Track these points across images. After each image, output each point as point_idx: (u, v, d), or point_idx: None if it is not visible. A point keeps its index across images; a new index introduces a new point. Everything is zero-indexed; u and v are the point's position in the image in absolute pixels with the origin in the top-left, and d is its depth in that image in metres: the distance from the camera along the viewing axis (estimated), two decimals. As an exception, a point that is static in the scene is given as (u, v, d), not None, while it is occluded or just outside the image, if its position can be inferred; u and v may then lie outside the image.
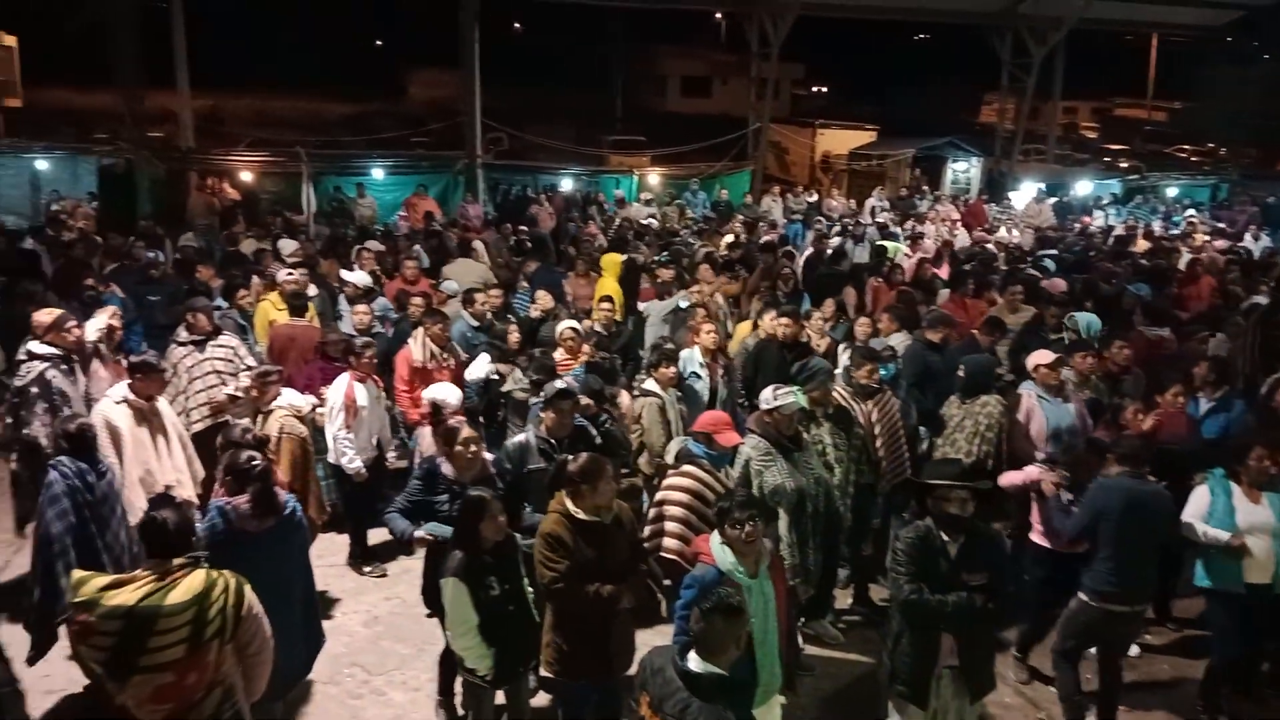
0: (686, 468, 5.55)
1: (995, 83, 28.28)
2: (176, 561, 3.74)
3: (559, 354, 7.58)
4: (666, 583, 5.80)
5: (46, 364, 6.59)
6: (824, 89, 52.04)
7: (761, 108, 23.82)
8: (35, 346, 6.70)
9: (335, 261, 11.29)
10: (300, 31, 42.01)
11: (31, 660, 5.25)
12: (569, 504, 4.56)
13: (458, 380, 7.66)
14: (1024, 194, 22.53)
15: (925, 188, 24.27)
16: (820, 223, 17.14)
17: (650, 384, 6.96)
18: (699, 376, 7.58)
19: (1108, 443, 5.79)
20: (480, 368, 7.73)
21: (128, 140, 18.40)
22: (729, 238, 14.60)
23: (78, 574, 3.76)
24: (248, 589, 3.85)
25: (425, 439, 6.68)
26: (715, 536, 4.41)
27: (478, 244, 13.13)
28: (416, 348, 7.67)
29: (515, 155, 23.08)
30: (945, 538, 4.58)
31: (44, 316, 6.76)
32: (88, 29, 20.68)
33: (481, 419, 7.55)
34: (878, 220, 17.78)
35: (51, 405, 6.48)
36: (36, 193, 17.76)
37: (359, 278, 9.49)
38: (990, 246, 15.32)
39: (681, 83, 46.99)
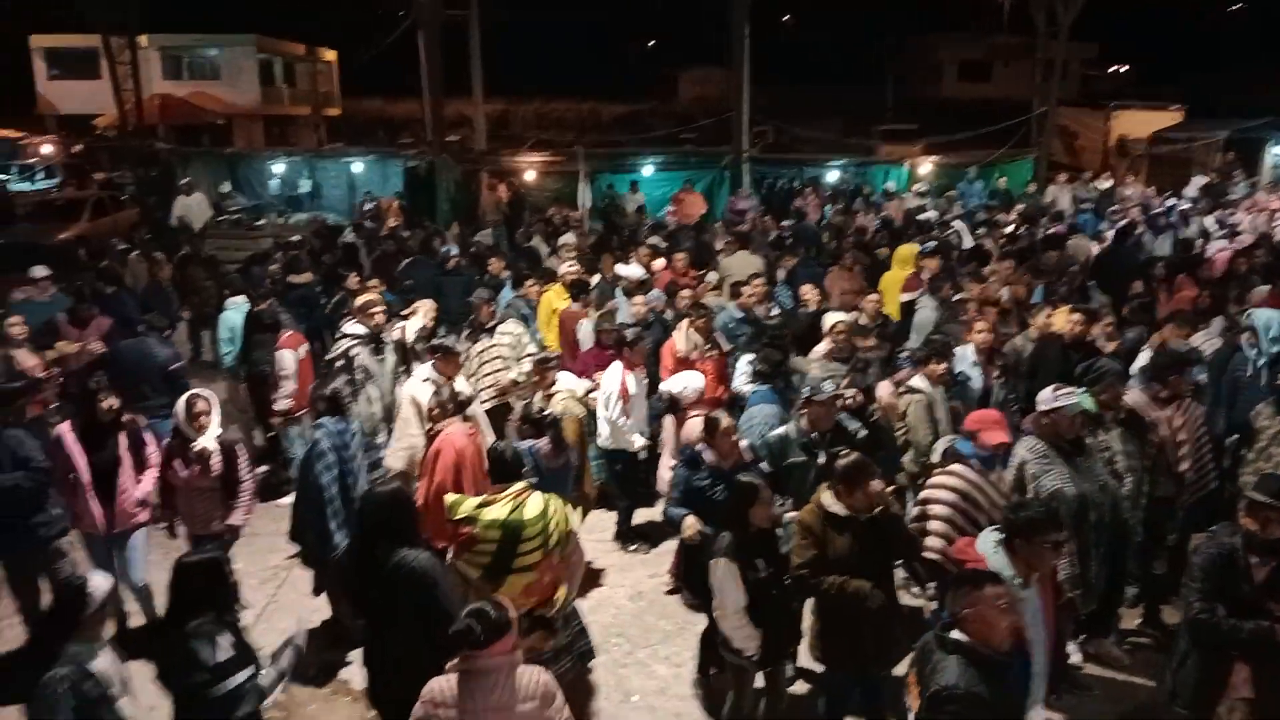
0: (954, 467, 5.35)
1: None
2: (519, 485, 4.75)
3: (824, 346, 7.55)
4: (930, 586, 5.66)
5: (354, 342, 7.49)
6: (1121, 68, 47.72)
7: (1047, 90, 22.27)
8: (349, 326, 7.63)
9: (610, 255, 11.83)
10: (581, 37, 44.27)
11: (316, 592, 6.12)
12: (826, 496, 4.63)
13: (720, 371, 7.83)
14: (1365, 179, 19.60)
15: (1237, 173, 21.67)
16: (1118, 212, 15.83)
17: (918, 380, 6.76)
18: (968, 376, 7.27)
19: None
20: (742, 369, 7.82)
21: (429, 144, 20.20)
22: (1009, 229, 13.83)
23: (451, 497, 4.83)
24: (568, 508, 4.92)
25: (686, 427, 6.89)
26: (986, 537, 4.25)
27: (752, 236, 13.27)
28: (681, 339, 7.89)
29: (781, 149, 23.06)
30: (1254, 559, 4.15)
31: (358, 300, 7.64)
32: (397, 44, 22.93)
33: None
34: (1181, 209, 16.14)
35: (352, 378, 7.37)
36: (353, 192, 19.98)
37: (634, 271, 9.90)
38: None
39: (959, 68, 44.89)
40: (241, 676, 3.77)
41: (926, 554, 5.12)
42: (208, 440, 5.84)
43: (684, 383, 6.71)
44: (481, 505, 4.68)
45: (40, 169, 24.40)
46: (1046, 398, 5.45)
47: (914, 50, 45.02)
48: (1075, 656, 5.73)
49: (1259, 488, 4.36)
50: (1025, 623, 4.02)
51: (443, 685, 3.53)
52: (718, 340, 8.06)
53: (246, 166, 20.82)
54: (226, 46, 36.82)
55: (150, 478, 6.01)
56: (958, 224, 14.56)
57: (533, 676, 3.59)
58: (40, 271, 9.62)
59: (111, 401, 5.95)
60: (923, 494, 5.41)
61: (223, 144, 29.50)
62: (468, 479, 5.81)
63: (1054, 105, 22.40)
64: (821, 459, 5.57)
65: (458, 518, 4.64)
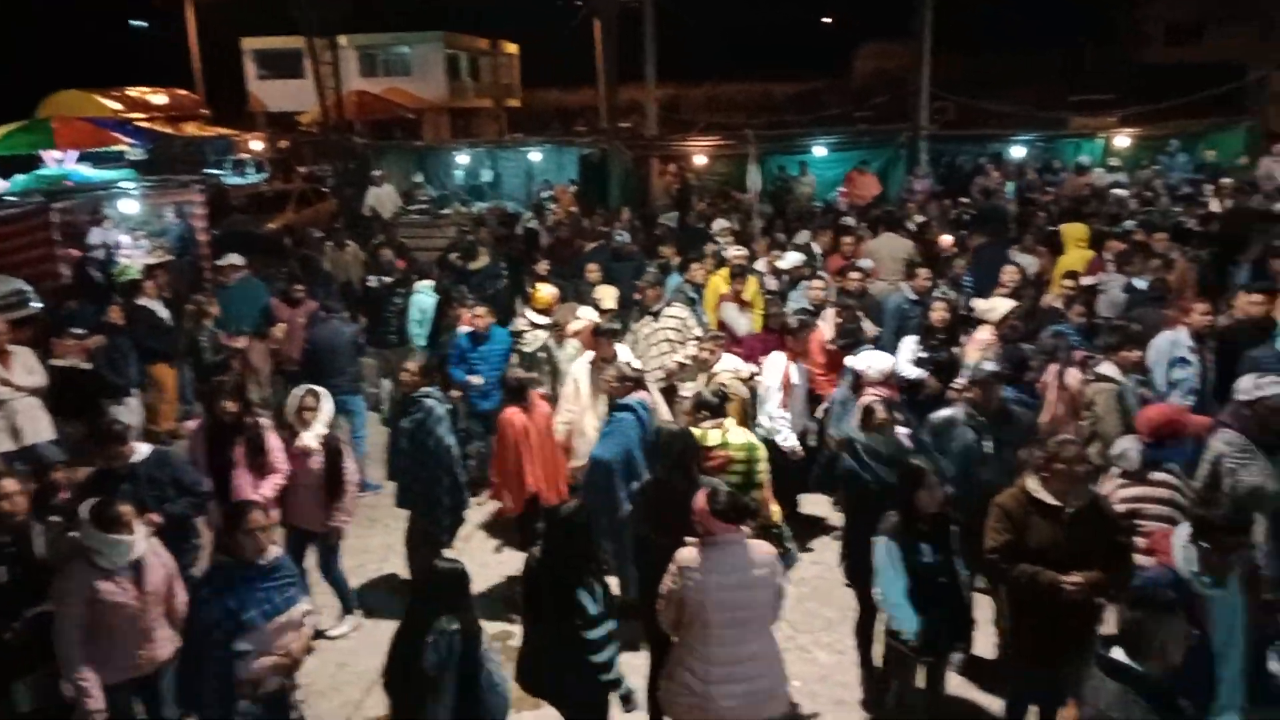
0: (1161, 476, 4.94)
1: None
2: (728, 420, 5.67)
3: (986, 335, 7.26)
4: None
5: (540, 331, 7.80)
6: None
7: (1266, 52, 20.28)
8: (535, 317, 7.96)
9: (772, 240, 11.76)
10: (752, 17, 43.75)
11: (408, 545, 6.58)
12: (1031, 482, 4.50)
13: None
14: None
15: None
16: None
17: (1107, 368, 6.40)
18: (1187, 362, 6.81)
19: None
20: (906, 349, 7.60)
21: (602, 132, 20.57)
22: (1213, 206, 12.78)
23: (697, 430, 5.50)
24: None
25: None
26: (1179, 534, 3.99)
27: (917, 218, 12.87)
28: (827, 329, 7.75)
29: (963, 125, 22.04)
30: None
31: (546, 293, 7.95)
32: (574, 33, 23.47)
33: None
34: None
35: (554, 368, 7.73)
36: (530, 181, 20.65)
37: (791, 258, 9.83)
38: None
39: (1165, 30, 41.58)
40: (608, 625, 4.24)
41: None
42: (310, 438, 5.90)
43: (869, 361, 6.65)
44: (713, 433, 5.49)
45: (250, 164, 26.53)
46: (1247, 387, 5.06)
47: (1116, 11, 41.99)
48: (1275, 665, 5.30)
49: None
50: (1213, 624, 3.79)
51: (691, 554, 4.20)
52: (864, 330, 7.84)
53: (433, 158, 21.85)
54: (416, 44, 38.80)
55: (272, 483, 5.87)
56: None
57: (762, 548, 4.28)
58: (230, 259, 10.55)
59: (230, 404, 5.95)
60: (1130, 505, 4.90)
61: (413, 137, 31.05)
62: (527, 454, 6.26)
63: (1272, 69, 20.40)
64: (989, 444, 5.41)
65: (710, 445, 5.44)
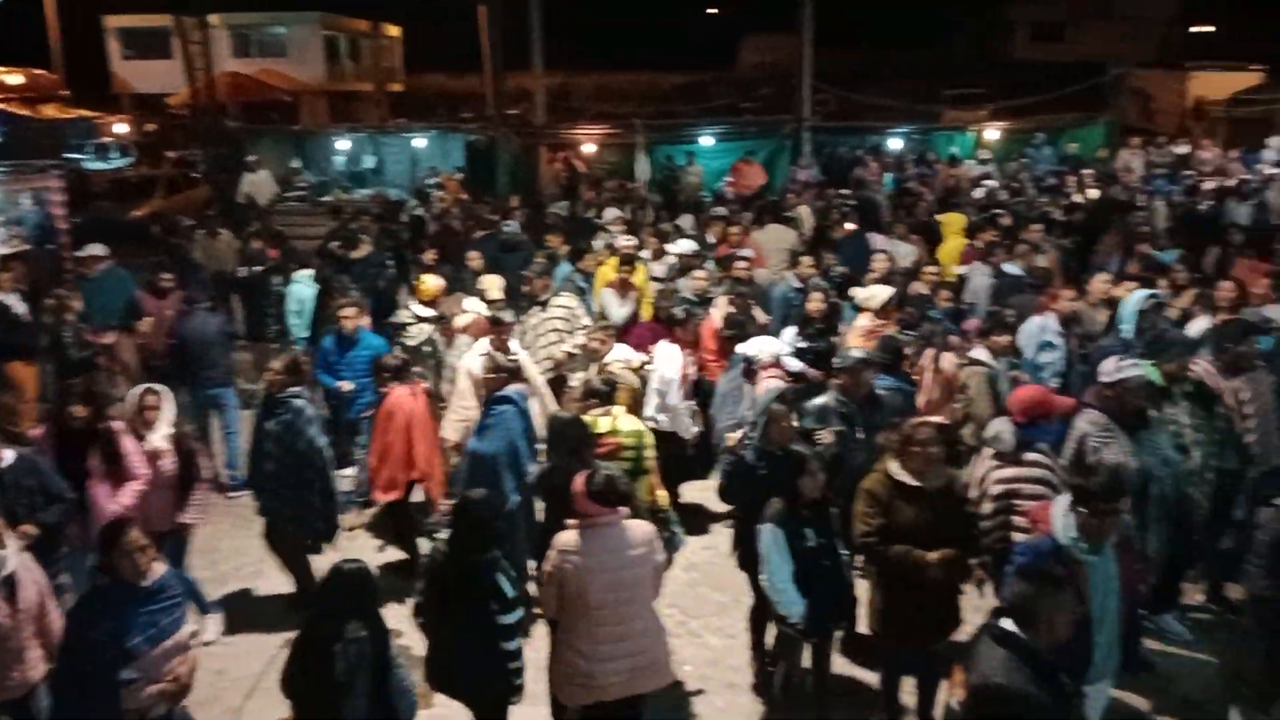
0: (1034, 457, 5.12)
1: None
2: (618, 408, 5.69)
3: (866, 321, 7.46)
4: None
5: (425, 324, 7.70)
6: (1209, 28, 45.54)
7: (1124, 52, 21.44)
8: (420, 309, 7.77)
9: (656, 229, 11.80)
10: (642, 6, 43.84)
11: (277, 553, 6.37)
12: (892, 464, 4.60)
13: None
14: None
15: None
16: (1193, 176, 15.30)
17: (980, 352, 6.66)
18: (1053, 346, 7.13)
19: None
20: (786, 339, 7.72)
21: (489, 119, 20.26)
22: (1076, 196, 13.46)
23: (588, 417, 5.54)
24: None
25: (759, 389, 6.82)
26: (1059, 504, 4.17)
27: (802, 209, 13.11)
28: (718, 316, 7.84)
29: (845, 116, 22.57)
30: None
31: (431, 285, 7.76)
32: (459, 18, 23.01)
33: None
34: (1267, 173, 15.49)
35: (438, 362, 7.59)
36: (415, 167, 20.18)
37: (683, 245, 9.88)
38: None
39: (1031, 28, 43.54)
40: (520, 612, 4.28)
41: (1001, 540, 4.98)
42: (157, 438, 5.59)
43: (760, 345, 6.75)
44: (612, 419, 5.57)
45: (115, 148, 25.15)
46: (1109, 369, 5.33)
47: (984, 11, 43.76)
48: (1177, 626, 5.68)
49: None
50: (1089, 591, 3.98)
51: (570, 537, 4.23)
52: (755, 316, 7.96)
53: (312, 143, 21.12)
54: (293, 24, 37.32)
55: (131, 491, 5.48)
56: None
57: (641, 527, 4.35)
58: (93, 249, 9.94)
59: (80, 408, 5.60)
60: (1007, 486, 5.00)
61: (290, 121, 29.89)
62: (418, 437, 6.28)
63: (1127, 67, 21.57)
64: (860, 431, 5.62)
65: (601, 432, 5.48)
